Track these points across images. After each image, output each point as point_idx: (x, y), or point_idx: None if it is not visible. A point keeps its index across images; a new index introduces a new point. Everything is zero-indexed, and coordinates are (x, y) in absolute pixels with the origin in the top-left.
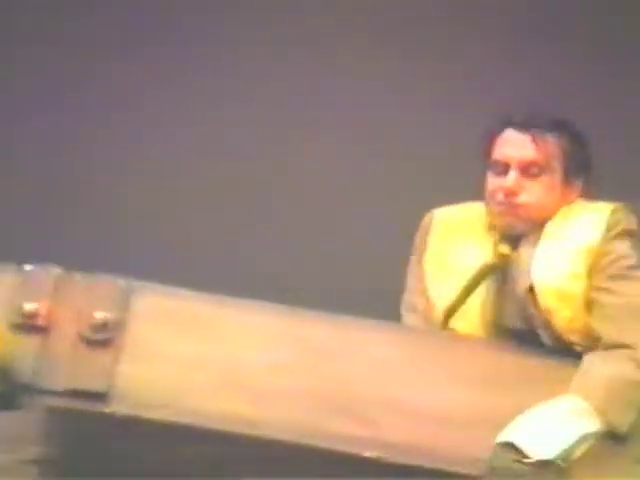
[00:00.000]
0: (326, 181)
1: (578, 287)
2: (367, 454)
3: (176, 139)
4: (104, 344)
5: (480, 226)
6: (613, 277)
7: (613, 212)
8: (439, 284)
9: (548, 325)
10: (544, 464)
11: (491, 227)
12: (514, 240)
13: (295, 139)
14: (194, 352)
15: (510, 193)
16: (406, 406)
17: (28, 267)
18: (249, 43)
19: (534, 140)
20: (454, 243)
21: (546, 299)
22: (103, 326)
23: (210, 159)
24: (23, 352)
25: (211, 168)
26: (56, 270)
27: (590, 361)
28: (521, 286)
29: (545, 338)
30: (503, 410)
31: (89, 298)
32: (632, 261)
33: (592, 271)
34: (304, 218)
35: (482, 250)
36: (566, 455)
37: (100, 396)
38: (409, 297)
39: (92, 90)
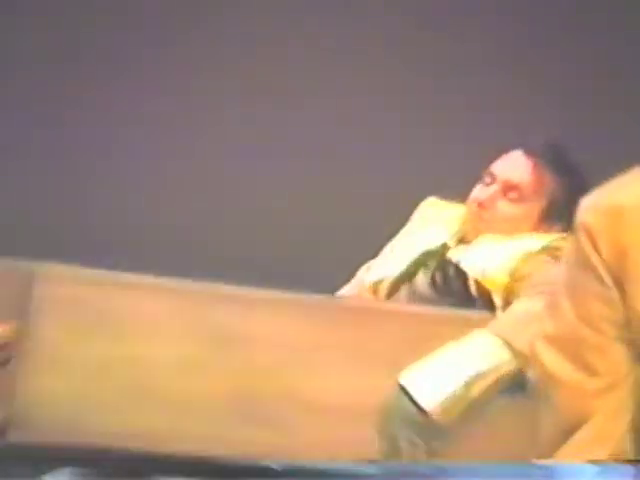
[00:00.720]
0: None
1: None
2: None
3: None
4: (3, 364)
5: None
6: None
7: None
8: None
9: None
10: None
11: None
12: None
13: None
14: (99, 356)
15: (481, 206)
16: (312, 401)
17: None
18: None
19: (532, 169)
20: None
21: None
22: (2, 347)
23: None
24: None
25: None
26: None
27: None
28: None
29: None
30: None
31: None
32: None
33: None
34: None
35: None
36: (453, 402)
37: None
38: None
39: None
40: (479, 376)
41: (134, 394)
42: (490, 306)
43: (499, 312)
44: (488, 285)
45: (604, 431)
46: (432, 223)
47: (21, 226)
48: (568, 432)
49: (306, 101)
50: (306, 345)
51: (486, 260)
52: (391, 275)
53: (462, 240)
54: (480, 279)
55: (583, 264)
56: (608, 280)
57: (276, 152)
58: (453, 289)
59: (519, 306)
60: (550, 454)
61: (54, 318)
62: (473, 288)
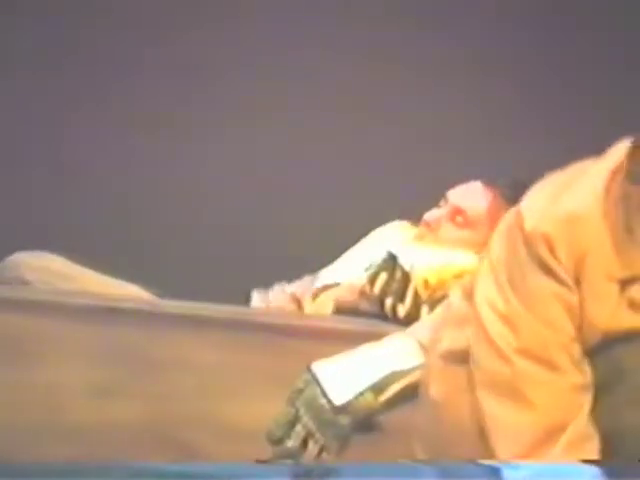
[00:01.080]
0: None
1: None
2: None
3: None
4: None
5: None
6: None
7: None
8: None
9: None
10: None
11: None
12: None
13: None
14: (10, 383)
15: (427, 226)
16: (230, 426)
17: None
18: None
19: (488, 202)
20: None
21: None
22: None
23: None
24: None
25: None
26: None
27: None
28: None
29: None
30: None
31: None
32: None
33: None
34: None
35: None
36: (363, 401)
37: None
38: None
39: None
40: (394, 377)
41: (47, 422)
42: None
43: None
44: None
45: (590, 428)
46: (386, 240)
47: None
48: (552, 432)
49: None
50: (227, 367)
51: (416, 258)
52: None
53: None
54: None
55: (541, 270)
56: (570, 282)
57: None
58: (389, 291)
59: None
60: (531, 456)
61: None
62: (410, 292)
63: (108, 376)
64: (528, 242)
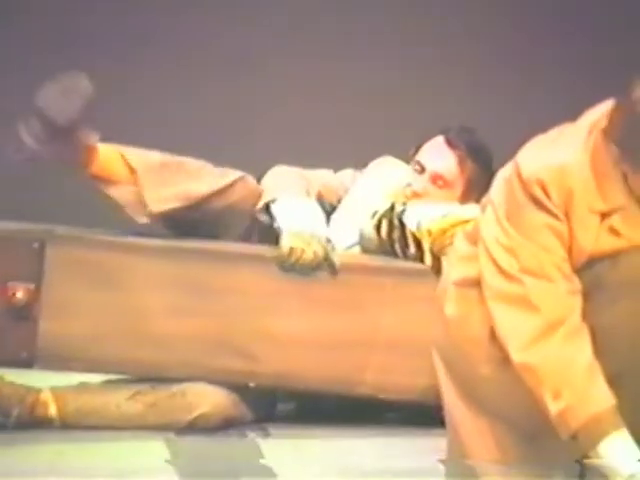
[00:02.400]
0: None
1: None
2: (251, 384)
3: None
4: (25, 315)
5: None
6: None
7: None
8: None
9: None
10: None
11: None
12: None
13: None
14: (103, 302)
15: (415, 194)
16: (278, 337)
17: None
18: None
19: (456, 162)
20: None
21: None
22: (23, 302)
23: None
24: None
25: None
26: None
27: None
28: None
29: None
30: (355, 330)
31: (7, 272)
32: None
33: None
34: None
35: None
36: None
37: (27, 361)
38: None
39: None
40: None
41: (133, 333)
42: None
43: (427, 259)
44: (420, 236)
45: (582, 326)
46: (386, 181)
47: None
48: (553, 326)
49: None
50: (279, 294)
51: (420, 215)
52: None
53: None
54: (415, 231)
55: (536, 207)
56: (560, 215)
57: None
58: (394, 238)
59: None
60: (536, 344)
61: (64, 274)
62: (410, 239)
63: (181, 300)
64: (525, 186)
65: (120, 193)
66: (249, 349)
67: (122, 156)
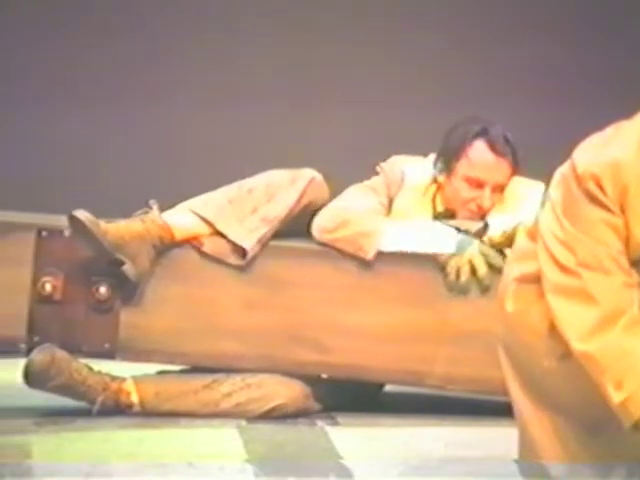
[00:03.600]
0: None
1: None
2: (324, 376)
3: None
4: (108, 309)
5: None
6: None
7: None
8: None
9: None
10: None
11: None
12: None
13: None
14: (181, 296)
15: (481, 209)
16: (349, 330)
17: (44, 233)
18: None
19: (509, 168)
20: None
21: None
22: (106, 296)
23: None
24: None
25: None
26: (65, 236)
27: None
28: None
29: None
30: (424, 323)
31: (90, 267)
32: None
33: None
34: None
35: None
36: None
37: (109, 352)
38: None
39: None
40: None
41: (209, 326)
42: None
43: None
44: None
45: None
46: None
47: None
48: (613, 317)
49: None
50: (338, 287)
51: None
52: None
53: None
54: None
55: (592, 202)
56: (616, 210)
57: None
58: None
59: None
60: (596, 335)
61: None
62: None
63: (255, 294)
64: (580, 182)
65: (212, 247)
66: (321, 342)
67: (193, 212)
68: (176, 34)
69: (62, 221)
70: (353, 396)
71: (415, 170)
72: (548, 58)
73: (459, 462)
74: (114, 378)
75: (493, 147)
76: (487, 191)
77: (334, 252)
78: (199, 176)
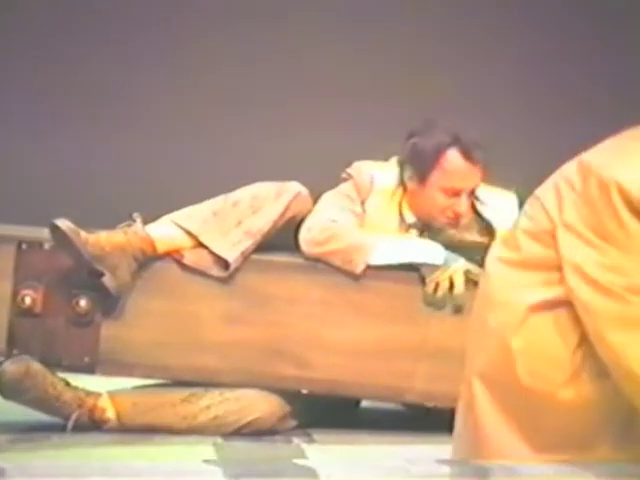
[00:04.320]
0: None
1: None
2: (304, 391)
3: None
4: (89, 323)
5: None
6: None
7: None
8: None
9: None
10: None
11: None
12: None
13: None
14: (162, 310)
15: (459, 216)
16: (330, 345)
17: (24, 246)
18: None
19: (481, 172)
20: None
21: None
22: (86, 310)
23: None
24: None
25: None
26: (45, 249)
27: None
28: None
29: None
30: (405, 339)
31: (71, 280)
32: None
33: None
34: None
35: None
36: None
37: (89, 366)
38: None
39: None
40: None
41: (190, 340)
42: None
43: None
44: None
45: None
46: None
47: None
48: None
49: None
50: (328, 302)
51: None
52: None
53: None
54: None
55: (634, 217)
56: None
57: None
58: None
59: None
60: None
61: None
62: None
63: (235, 308)
64: (627, 201)
65: (194, 259)
66: (302, 356)
67: (176, 224)
68: (163, 44)
69: (42, 233)
70: (329, 412)
71: (383, 174)
72: (541, 62)
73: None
74: (89, 394)
75: (467, 156)
76: (463, 197)
77: (316, 266)
78: (185, 189)
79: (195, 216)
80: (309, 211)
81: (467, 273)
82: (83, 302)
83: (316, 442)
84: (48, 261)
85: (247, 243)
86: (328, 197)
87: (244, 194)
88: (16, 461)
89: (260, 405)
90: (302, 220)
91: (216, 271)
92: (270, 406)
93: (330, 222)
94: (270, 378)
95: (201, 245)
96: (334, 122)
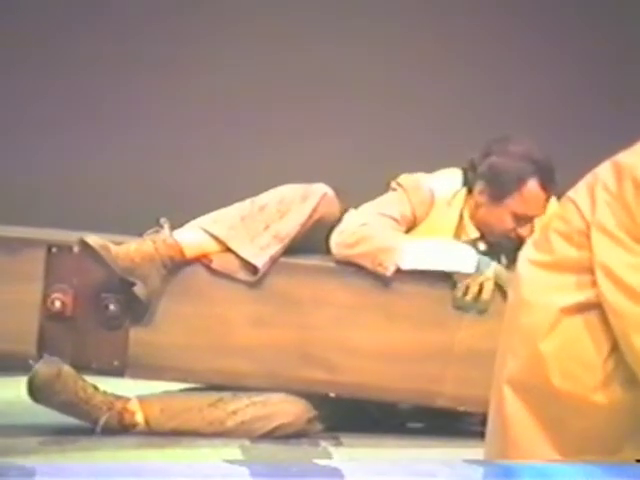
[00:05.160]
0: None
1: None
2: (332, 394)
3: None
4: (117, 326)
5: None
6: None
7: None
8: None
9: None
10: None
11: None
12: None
13: None
14: (191, 314)
15: (524, 240)
16: (358, 348)
17: (54, 249)
18: None
19: (547, 200)
20: None
21: None
22: (115, 313)
23: None
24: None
25: None
26: (75, 253)
27: None
28: None
29: None
30: (434, 342)
31: (100, 283)
32: None
33: None
34: None
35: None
36: None
37: (118, 370)
38: None
39: None
40: None
41: (218, 344)
42: None
43: None
44: None
45: None
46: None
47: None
48: None
49: None
50: (348, 305)
51: None
52: None
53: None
54: None
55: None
56: None
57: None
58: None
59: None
60: None
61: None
62: None
63: (263, 312)
64: (628, 189)
65: (222, 264)
66: (329, 360)
67: (204, 230)
68: (161, 45)
69: (71, 237)
70: (356, 417)
71: (440, 184)
72: (551, 67)
73: None
74: (118, 398)
75: (545, 186)
76: (529, 225)
77: (345, 269)
78: (205, 193)
79: (222, 221)
80: (336, 213)
81: (496, 278)
82: (112, 306)
83: (343, 445)
84: (78, 265)
85: (276, 247)
86: (367, 210)
87: (271, 198)
88: (46, 462)
89: (287, 410)
90: (331, 222)
91: (244, 275)
92: (297, 411)
93: (361, 224)
94: (298, 382)
95: (229, 250)
96: (359, 125)
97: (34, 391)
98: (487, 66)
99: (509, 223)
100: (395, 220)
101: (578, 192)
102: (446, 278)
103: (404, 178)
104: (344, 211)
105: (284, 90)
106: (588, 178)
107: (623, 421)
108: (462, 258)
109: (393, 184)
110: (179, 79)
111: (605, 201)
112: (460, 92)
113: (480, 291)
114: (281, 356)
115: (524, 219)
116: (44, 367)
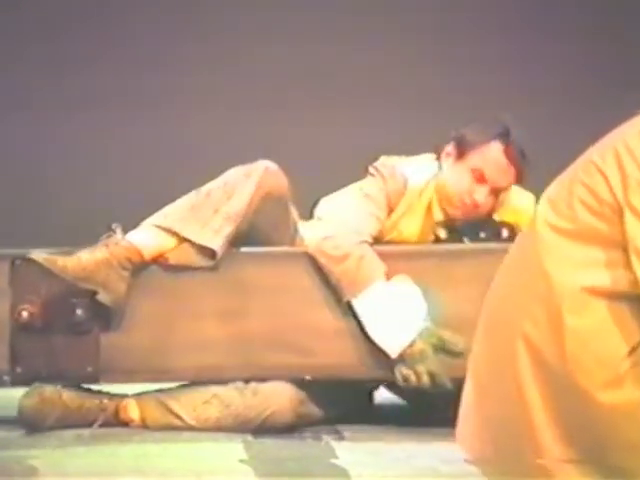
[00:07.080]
0: None
1: None
2: (307, 377)
3: None
4: (88, 332)
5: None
6: None
7: None
8: None
9: None
10: None
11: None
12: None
13: None
14: (157, 311)
15: (476, 206)
16: (325, 329)
17: (18, 262)
18: None
19: (513, 178)
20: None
21: None
22: (83, 318)
23: None
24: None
25: None
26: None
27: None
28: None
29: None
30: None
31: (69, 295)
32: None
33: None
34: None
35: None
36: None
37: (92, 376)
38: None
39: None
40: None
41: (188, 339)
42: None
43: None
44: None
45: None
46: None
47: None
48: None
49: None
50: (312, 287)
51: None
52: None
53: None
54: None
55: None
56: None
57: None
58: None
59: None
60: None
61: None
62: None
63: (230, 303)
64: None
65: (179, 258)
66: (300, 343)
67: (156, 226)
68: (151, 42)
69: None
70: (350, 399)
71: (414, 171)
72: (545, 55)
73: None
74: (112, 396)
75: (508, 152)
76: (486, 188)
77: (305, 254)
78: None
79: (172, 214)
80: (284, 186)
81: (430, 364)
82: (79, 311)
83: (345, 439)
84: (42, 275)
85: (229, 228)
86: (354, 194)
87: (216, 183)
88: (47, 459)
89: (278, 396)
90: (284, 196)
91: (203, 261)
92: (288, 396)
93: (348, 237)
94: (273, 368)
95: (184, 241)
96: (354, 118)
97: (27, 425)
98: (487, 65)
99: (466, 182)
100: (380, 221)
101: (606, 161)
102: (410, 253)
103: (381, 164)
104: None
105: (284, 90)
106: (614, 143)
107: (623, 429)
108: (401, 332)
109: (371, 169)
110: (179, 79)
111: (637, 180)
112: (461, 91)
113: (419, 379)
114: (253, 345)
115: (480, 178)
116: (26, 400)
